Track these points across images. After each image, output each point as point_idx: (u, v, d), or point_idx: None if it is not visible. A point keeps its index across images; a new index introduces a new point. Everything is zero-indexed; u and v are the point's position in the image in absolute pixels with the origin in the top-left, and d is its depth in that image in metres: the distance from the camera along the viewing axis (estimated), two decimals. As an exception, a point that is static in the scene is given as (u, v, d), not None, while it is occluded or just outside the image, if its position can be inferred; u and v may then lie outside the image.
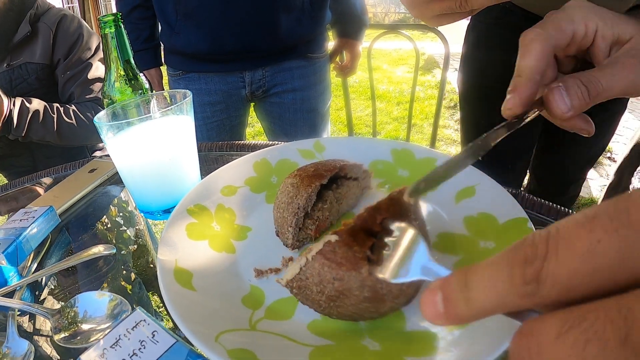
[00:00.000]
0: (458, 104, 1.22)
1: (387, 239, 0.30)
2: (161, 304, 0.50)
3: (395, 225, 0.31)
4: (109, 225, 0.71)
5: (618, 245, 0.15)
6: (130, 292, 0.55)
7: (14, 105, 1.16)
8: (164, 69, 1.40)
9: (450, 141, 3.04)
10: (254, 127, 3.30)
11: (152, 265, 0.59)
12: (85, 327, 0.46)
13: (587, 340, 0.15)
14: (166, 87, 1.39)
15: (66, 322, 0.47)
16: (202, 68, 1.23)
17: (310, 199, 0.46)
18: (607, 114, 1.02)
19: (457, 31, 1.61)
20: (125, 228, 0.68)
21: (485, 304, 0.18)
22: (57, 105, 1.24)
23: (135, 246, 0.62)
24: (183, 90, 0.62)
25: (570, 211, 0.58)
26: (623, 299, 0.15)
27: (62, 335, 0.46)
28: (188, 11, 1.15)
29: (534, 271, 0.17)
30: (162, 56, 1.37)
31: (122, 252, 0.61)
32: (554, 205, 0.60)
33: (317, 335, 0.37)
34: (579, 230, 0.16)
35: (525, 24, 0.50)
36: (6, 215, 0.82)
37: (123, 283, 0.56)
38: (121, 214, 0.72)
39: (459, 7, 0.43)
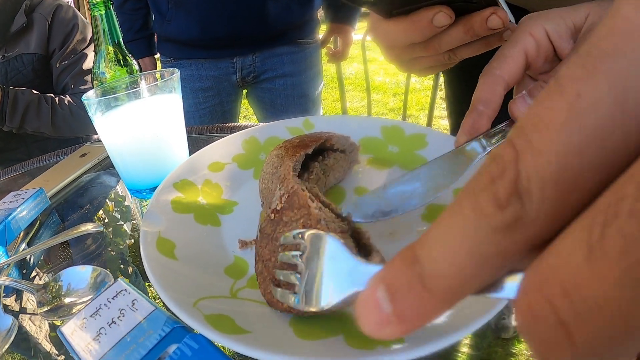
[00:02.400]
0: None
1: (295, 256, 0.26)
2: (158, 296, 0.49)
3: (306, 234, 0.25)
4: (113, 218, 0.70)
5: (607, 83, 0.10)
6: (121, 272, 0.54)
7: (7, 95, 1.15)
8: (158, 58, 1.40)
9: (446, 132, 2.98)
10: (250, 119, 3.29)
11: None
12: (68, 300, 0.46)
13: None
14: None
15: (50, 296, 0.47)
16: (193, 55, 1.24)
17: (295, 169, 0.45)
18: None
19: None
20: (123, 223, 0.67)
21: (451, 275, 0.12)
22: (52, 95, 1.24)
23: (132, 240, 0.61)
24: (171, 69, 0.61)
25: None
26: None
27: (46, 308, 0.46)
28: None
29: (508, 183, 0.11)
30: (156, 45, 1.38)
31: (120, 246, 0.60)
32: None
33: (300, 302, 0.37)
34: (547, 102, 0.11)
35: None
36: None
37: (120, 265, 0.56)
38: (118, 209, 0.71)
39: (447, 59, 0.43)
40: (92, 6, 0.69)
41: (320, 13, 1.35)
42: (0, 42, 1.25)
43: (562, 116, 0.11)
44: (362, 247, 0.34)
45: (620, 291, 0.09)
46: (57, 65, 1.29)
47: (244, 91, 1.37)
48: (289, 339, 0.32)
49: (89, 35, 1.34)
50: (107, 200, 0.73)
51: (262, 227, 0.35)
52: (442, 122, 3.14)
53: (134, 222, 0.66)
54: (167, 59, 1.29)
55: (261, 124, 0.67)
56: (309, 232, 0.24)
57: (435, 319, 0.13)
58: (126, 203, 0.71)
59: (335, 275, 0.21)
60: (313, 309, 0.23)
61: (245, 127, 0.84)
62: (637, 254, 0.09)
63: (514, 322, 0.41)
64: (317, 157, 0.49)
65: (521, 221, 0.11)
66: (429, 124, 1.72)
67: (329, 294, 0.22)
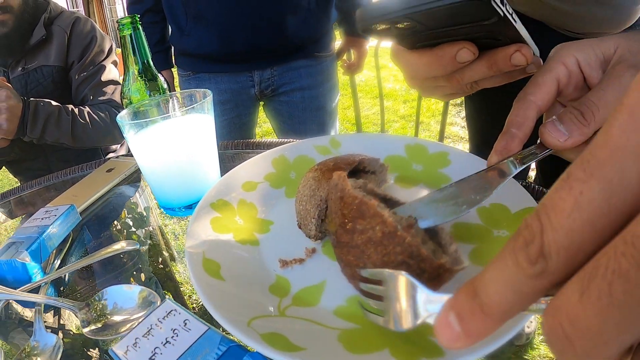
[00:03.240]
0: (463, 102, 1.23)
1: (379, 289, 0.32)
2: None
3: (385, 274, 0.32)
4: (126, 225, 0.72)
5: (598, 187, 0.16)
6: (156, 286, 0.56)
7: (28, 107, 1.17)
8: (175, 71, 1.42)
9: (458, 138, 3.04)
10: (262, 128, 3.31)
11: (161, 266, 0.60)
12: (115, 318, 0.48)
13: (610, 283, 0.14)
14: (177, 88, 1.42)
15: (95, 314, 0.48)
16: (212, 68, 1.26)
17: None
18: None
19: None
20: (135, 230, 0.69)
21: (502, 304, 0.18)
22: (72, 106, 1.26)
23: (146, 247, 0.63)
24: (203, 89, 0.63)
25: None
26: (625, 230, 0.15)
27: (92, 327, 0.47)
28: (197, 13, 1.18)
29: (537, 248, 0.17)
30: (173, 58, 1.39)
31: (151, 266, 0.62)
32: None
33: (344, 319, 0.39)
34: (561, 193, 0.17)
35: (524, 21, 0.51)
36: (20, 217, 0.84)
37: (144, 279, 0.58)
38: (130, 216, 0.73)
39: (469, 89, 0.45)
40: (120, 26, 0.70)
41: (334, 25, 1.37)
42: (19, 54, 1.28)
43: (570, 206, 0.16)
44: (429, 230, 0.39)
45: (597, 320, 0.15)
46: (76, 77, 1.31)
47: (261, 103, 1.39)
48: (340, 353, 0.34)
49: (107, 47, 1.36)
50: (129, 218, 0.75)
51: (337, 236, 0.38)
52: (453, 129, 3.15)
53: (149, 229, 0.68)
54: (186, 72, 1.31)
55: (287, 142, 0.69)
56: (387, 271, 0.31)
57: (491, 333, 0.19)
58: (152, 220, 0.73)
59: (414, 303, 0.28)
60: (402, 328, 0.28)
61: (270, 143, 0.86)
62: (604, 300, 0.15)
63: (526, 330, 0.44)
64: (350, 178, 0.51)
65: (545, 272, 0.17)
66: (442, 130, 1.73)
67: (412, 317, 0.28)
